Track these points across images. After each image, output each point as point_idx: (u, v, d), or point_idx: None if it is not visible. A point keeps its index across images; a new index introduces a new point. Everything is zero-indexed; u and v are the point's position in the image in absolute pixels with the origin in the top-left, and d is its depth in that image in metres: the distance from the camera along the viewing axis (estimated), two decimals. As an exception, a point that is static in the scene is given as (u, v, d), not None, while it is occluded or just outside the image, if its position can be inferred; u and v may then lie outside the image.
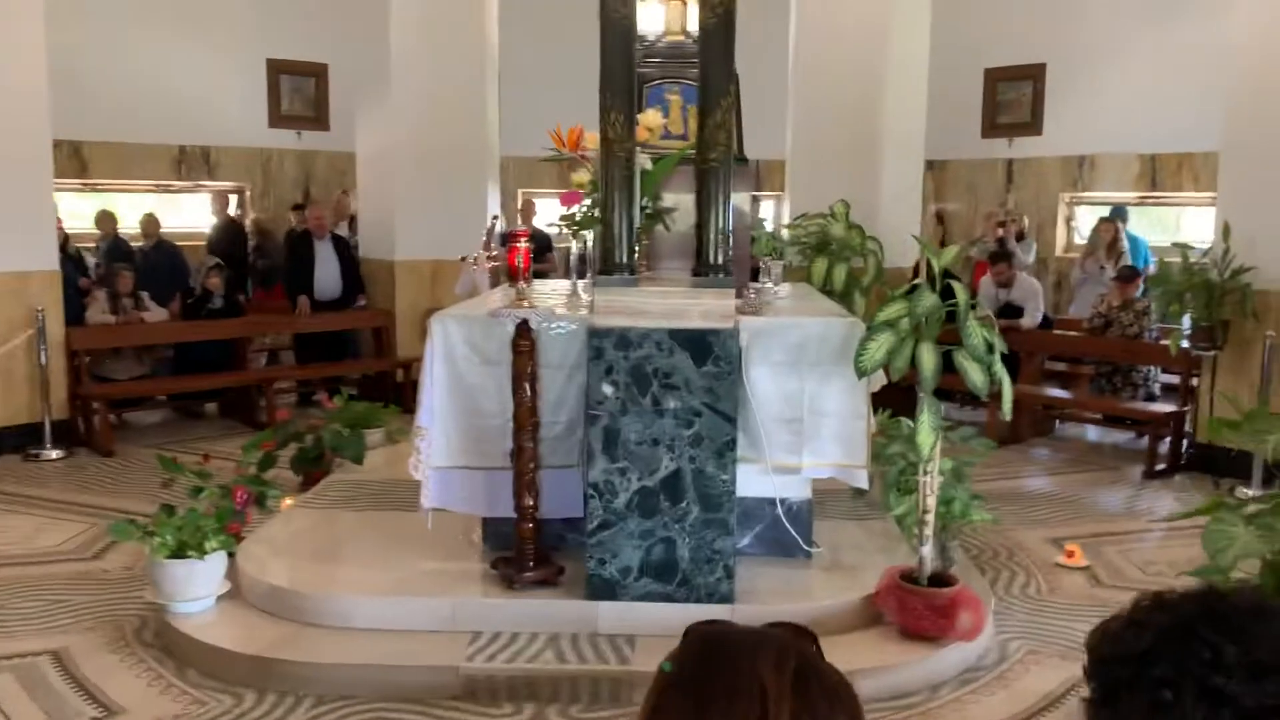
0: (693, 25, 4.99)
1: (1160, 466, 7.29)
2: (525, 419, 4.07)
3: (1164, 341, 7.61)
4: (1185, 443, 7.46)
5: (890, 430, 4.83)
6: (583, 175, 4.58)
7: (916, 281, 4.01)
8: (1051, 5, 11.45)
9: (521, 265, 3.98)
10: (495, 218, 8.68)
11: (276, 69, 11.86)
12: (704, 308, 3.83)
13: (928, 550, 4.14)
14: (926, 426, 3.86)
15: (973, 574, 4.93)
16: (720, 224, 3.82)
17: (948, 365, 3.82)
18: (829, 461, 4.28)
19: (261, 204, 12.08)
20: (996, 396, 4.22)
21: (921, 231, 10.01)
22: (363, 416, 6.31)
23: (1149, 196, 11.27)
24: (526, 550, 4.18)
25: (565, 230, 4.77)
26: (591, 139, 4.23)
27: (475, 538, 4.62)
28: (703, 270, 3.86)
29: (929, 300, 3.76)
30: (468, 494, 4.34)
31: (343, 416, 6.20)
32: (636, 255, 4.08)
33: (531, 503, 4.13)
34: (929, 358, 3.81)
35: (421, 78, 8.81)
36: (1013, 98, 12.11)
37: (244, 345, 8.73)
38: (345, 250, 9.34)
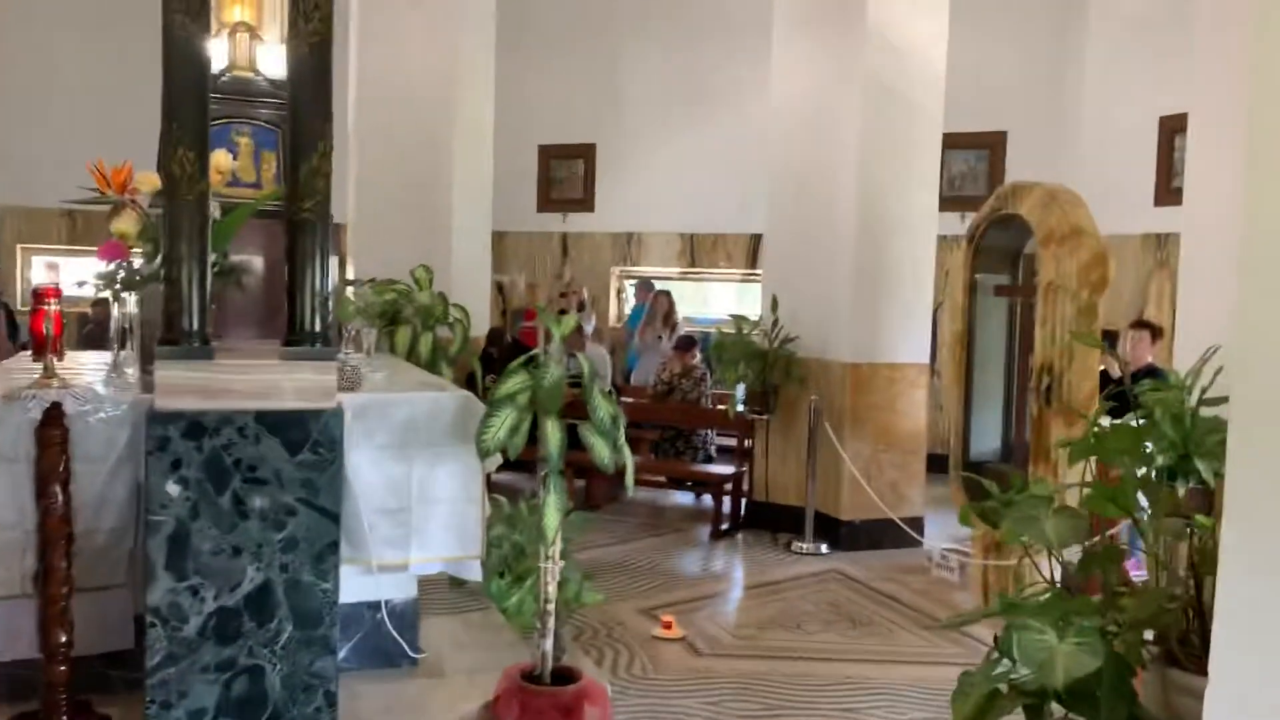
0: (264, 62, 4.40)
1: (724, 526, 7.66)
2: (56, 530, 3.17)
3: (721, 406, 8.08)
4: (744, 501, 7.94)
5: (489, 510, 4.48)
6: (126, 224, 3.75)
7: (534, 352, 3.71)
8: (598, 89, 12.06)
9: (52, 333, 3.11)
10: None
11: None
12: (300, 384, 3.23)
13: (550, 644, 3.80)
14: (553, 508, 3.55)
15: (583, 660, 4.70)
16: (318, 285, 3.25)
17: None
18: (440, 555, 3.82)
19: None
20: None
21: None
22: None
23: (689, 272, 12.15)
24: (58, 700, 3.23)
25: (103, 290, 3.87)
26: (146, 180, 3.46)
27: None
28: (297, 339, 3.26)
29: (556, 373, 3.47)
30: (-32, 634, 3.29)
31: None
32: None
33: (65, 638, 3.21)
34: (555, 433, 3.52)
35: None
36: (565, 175, 12.53)
37: None
38: None
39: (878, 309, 7.32)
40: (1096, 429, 2.23)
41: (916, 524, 7.28)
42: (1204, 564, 2.01)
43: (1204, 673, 1.55)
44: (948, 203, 9.21)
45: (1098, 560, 2.09)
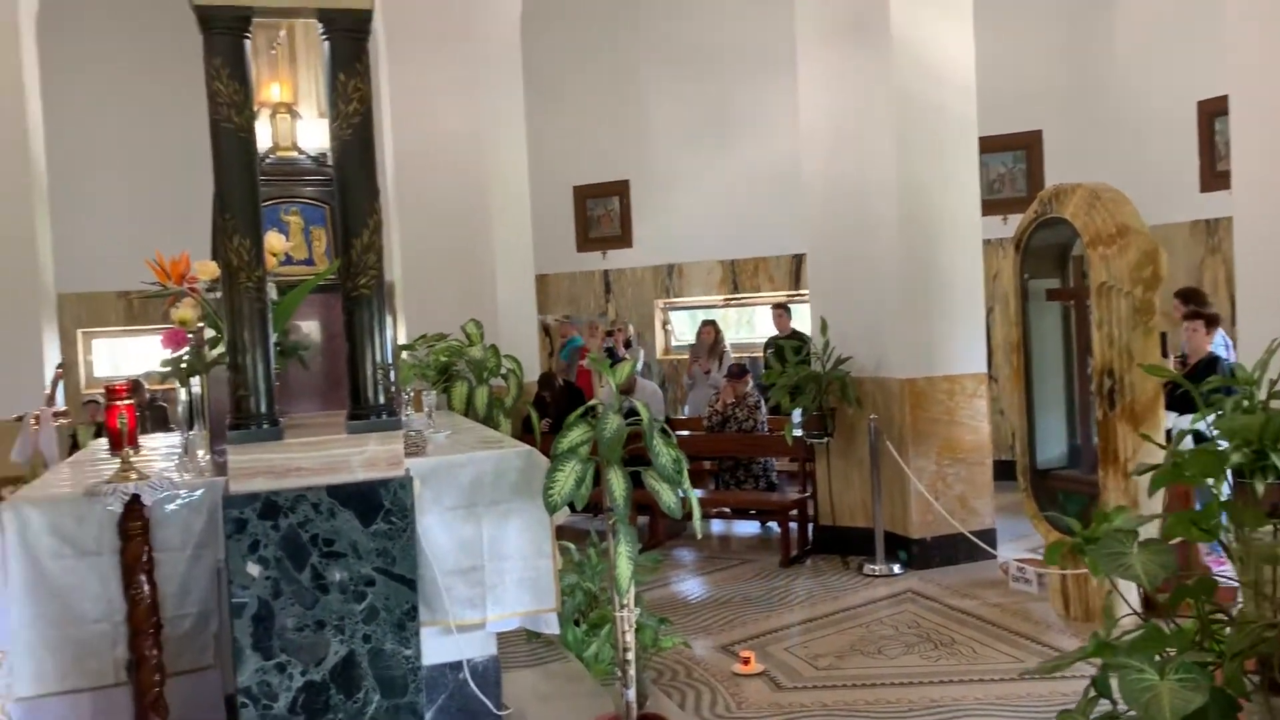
0: (305, 141, 4.50)
1: (794, 553, 7.60)
2: (144, 620, 3.23)
3: (779, 433, 8.04)
4: (812, 526, 7.89)
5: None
6: (187, 312, 3.84)
7: (593, 403, 3.74)
8: (627, 126, 12.16)
9: (126, 428, 3.19)
10: (59, 367, 7.37)
11: None
12: (367, 455, 3.28)
13: (632, 693, 3.80)
14: (624, 557, 3.56)
15: (665, 703, 4.68)
16: (378, 358, 3.32)
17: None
18: (516, 610, 3.82)
19: None
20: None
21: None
22: (-108, 636, 4.85)
23: (733, 298, 12.15)
24: (157, 786, 3.28)
25: (170, 377, 3.95)
26: (204, 268, 3.55)
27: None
28: (362, 412, 3.32)
29: (615, 423, 3.50)
30: (68, 726, 3.36)
31: None
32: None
33: (160, 724, 3.27)
34: (619, 482, 3.54)
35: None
36: (601, 213, 12.64)
37: None
38: None
39: (929, 321, 7.27)
40: (1177, 455, 2.19)
41: (988, 536, 7.18)
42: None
43: (1316, 701, 1.51)
44: (987, 206, 9.14)
45: (1190, 592, 2.05)
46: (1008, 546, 7.20)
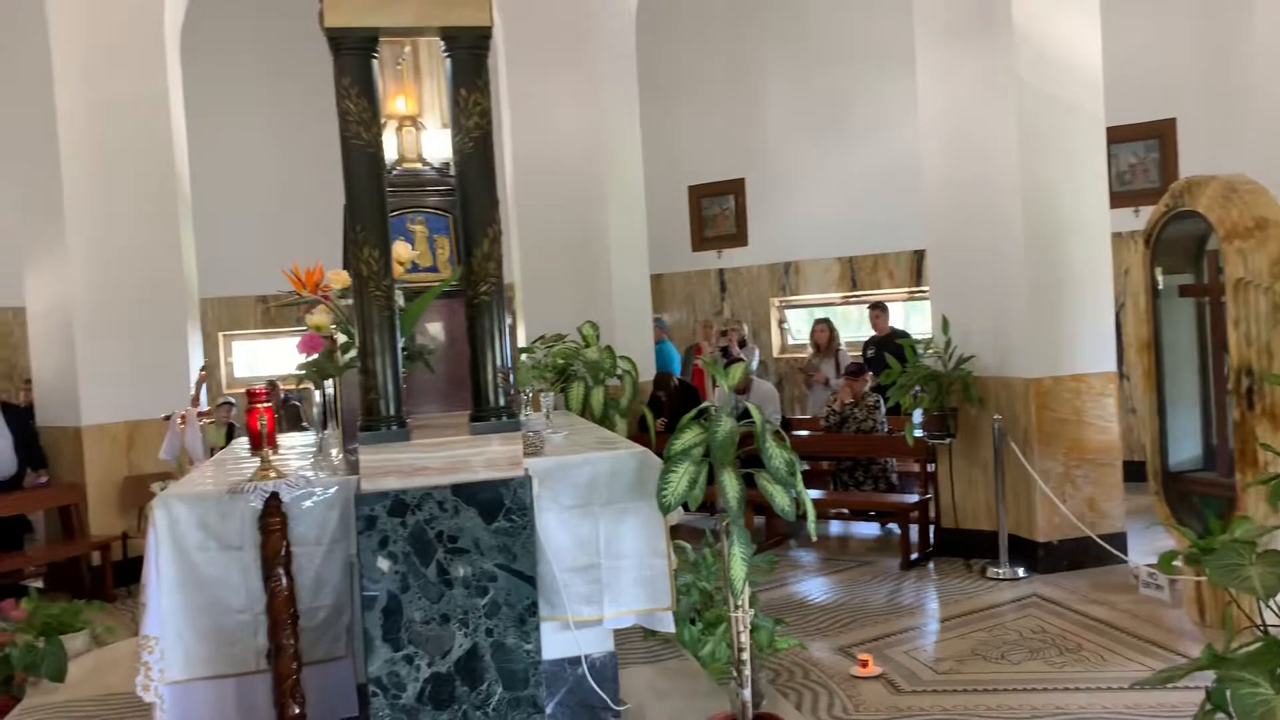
0: (429, 151, 4.67)
1: (914, 555, 7.49)
2: (282, 611, 3.42)
3: (898, 433, 7.93)
4: (933, 528, 7.75)
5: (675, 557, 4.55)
6: (321, 318, 4.04)
7: (706, 404, 3.79)
8: (743, 124, 12.16)
9: (265, 430, 3.39)
10: (203, 369, 7.80)
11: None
12: (488, 456, 3.40)
13: (748, 693, 3.83)
14: (738, 558, 3.59)
15: (782, 704, 4.69)
16: (498, 362, 3.43)
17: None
18: (632, 608, 3.91)
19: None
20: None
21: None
22: (59, 619, 5.24)
23: (851, 296, 12.01)
24: (295, 768, 3.47)
25: (306, 380, 4.16)
26: (336, 277, 3.74)
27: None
28: (483, 414, 3.44)
29: (727, 425, 3.53)
30: (216, 708, 3.58)
31: (33, 623, 5.11)
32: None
33: (298, 710, 3.45)
34: (732, 485, 3.57)
35: (101, 216, 7.85)
36: (717, 212, 12.66)
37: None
38: (19, 420, 8.01)
39: (1055, 319, 7.05)
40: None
41: (1118, 540, 6.94)
42: None
43: None
44: (1118, 198, 8.83)
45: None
46: (1139, 551, 6.95)
